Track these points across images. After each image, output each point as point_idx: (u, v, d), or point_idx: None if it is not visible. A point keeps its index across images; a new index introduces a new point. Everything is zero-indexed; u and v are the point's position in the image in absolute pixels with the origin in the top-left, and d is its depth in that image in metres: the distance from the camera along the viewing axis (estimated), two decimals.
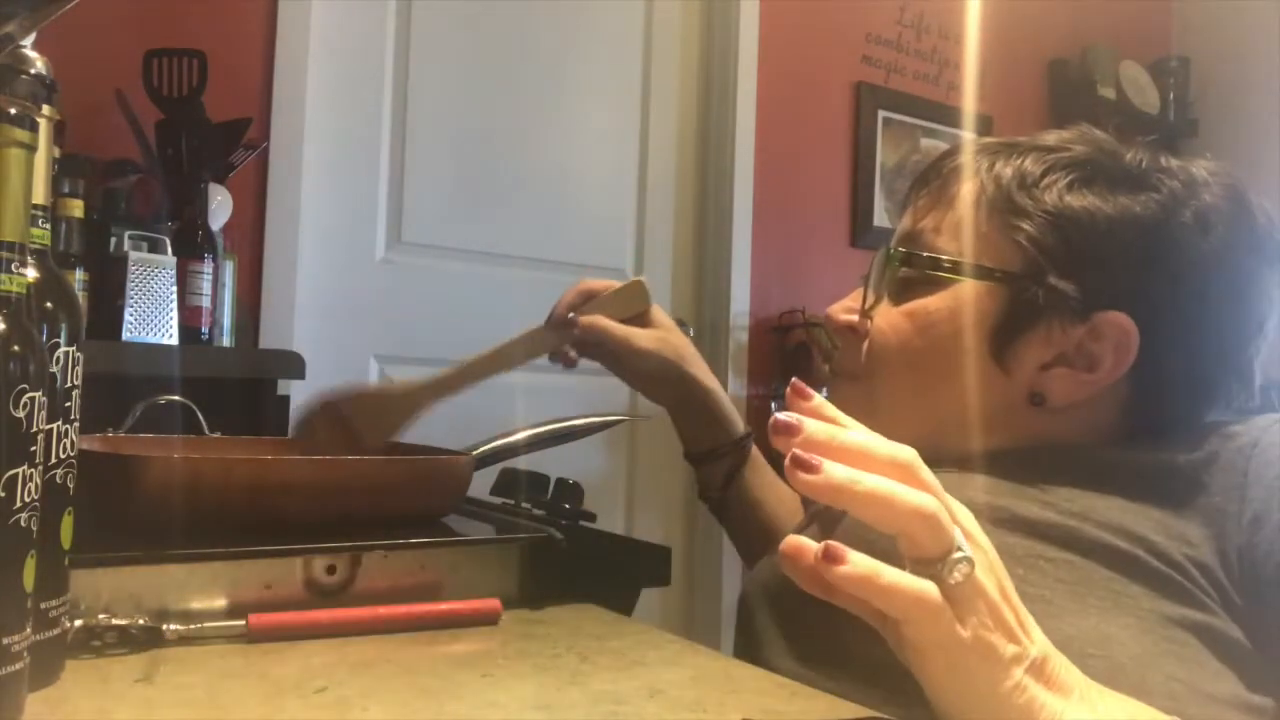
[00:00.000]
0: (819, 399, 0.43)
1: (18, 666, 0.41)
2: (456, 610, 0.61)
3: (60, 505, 0.46)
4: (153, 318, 1.50)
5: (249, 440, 0.89)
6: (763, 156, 2.55)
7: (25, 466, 0.41)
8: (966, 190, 0.68)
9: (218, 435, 0.94)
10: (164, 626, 0.53)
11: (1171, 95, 3.23)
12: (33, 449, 0.41)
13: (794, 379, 0.44)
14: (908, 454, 0.42)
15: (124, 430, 0.91)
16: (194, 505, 0.61)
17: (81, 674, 0.48)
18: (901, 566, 0.41)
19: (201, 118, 1.67)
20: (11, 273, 0.41)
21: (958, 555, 0.40)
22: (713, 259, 2.53)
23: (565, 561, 0.67)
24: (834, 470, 0.40)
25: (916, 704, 0.44)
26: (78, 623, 0.51)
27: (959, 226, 0.67)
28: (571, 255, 2.34)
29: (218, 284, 1.65)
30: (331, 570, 0.60)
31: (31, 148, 0.42)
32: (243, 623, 0.55)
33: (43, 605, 0.44)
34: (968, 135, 2.81)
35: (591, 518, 0.80)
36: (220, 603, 0.57)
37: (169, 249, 1.55)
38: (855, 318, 0.72)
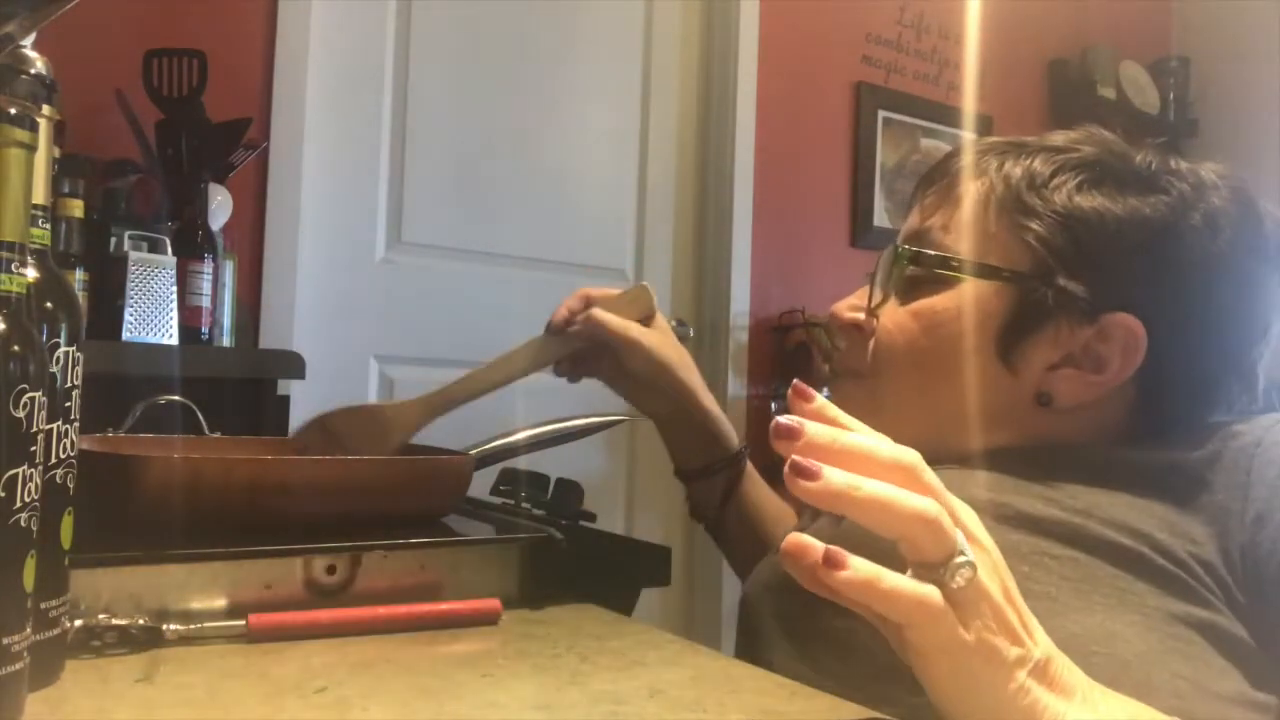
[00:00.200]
0: (821, 400, 0.43)
1: (18, 666, 0.41)
2: (456, 610, 0.61)
3: (60, 505, 0.46)
4: (153, 318, 1.50)
5: (249, 440, 0.89)
6: (763, 156, 2.55)
7: (25, 466, 0.41)
8: (975, 189, 0.68)
9: (218, 435, 0.94)
10: (164, 626, 0.53)
11: (1171, 95, 3.23)
12: (33, 449, 0.41)
13: (795, 380, 0.43)
14: (911, 456, 0.42)
15: (124, 430, 0.91)
16: (194, 505, 0.61)
17: (81, 674, 0.48)
18: (905, 567, 0.41)
19: (201, 118, 1.67)
20: (11, 273, 0.41)
21: (960, 560, 0.40)
22: (713, 259, 2.53)
23: (565, 561, 0.67)
24: (833, 477, 0.40)
25: (918, 705, 0.44)
26: (78, 623, 0.51)
27: (968, 225, 0.67)
28: (571, 255, 2.34)
29: (218, 284, 1.65)
30: (331, 570, 0.60)
31: (31, 148, 0.42)
32: (243, 623, 0.55)
33: (43, 605, 0.44)
34: (968, 135, 2.81)
35: (591, 518, 0.80)
36: (220, 603, 0.57)
37: (169, 249, 1.55)
38: (861, 315, 0.72)
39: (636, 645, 0.59)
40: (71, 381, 0.47)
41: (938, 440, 0.65)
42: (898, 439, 0.43)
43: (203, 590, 0.56)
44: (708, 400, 0.87)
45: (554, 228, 2.34)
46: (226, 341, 1.73)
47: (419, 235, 2.18)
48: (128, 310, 1.48)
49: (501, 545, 0.67)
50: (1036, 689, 0.41)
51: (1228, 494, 0.58)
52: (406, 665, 0.53)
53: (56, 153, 0.50)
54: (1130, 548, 0.56)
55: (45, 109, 0.46)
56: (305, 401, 1.59)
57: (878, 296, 0.70)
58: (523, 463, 0.88)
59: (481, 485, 0.81)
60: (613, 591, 0.69)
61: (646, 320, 0.86)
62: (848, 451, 0.41)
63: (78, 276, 1.43)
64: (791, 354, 2.51)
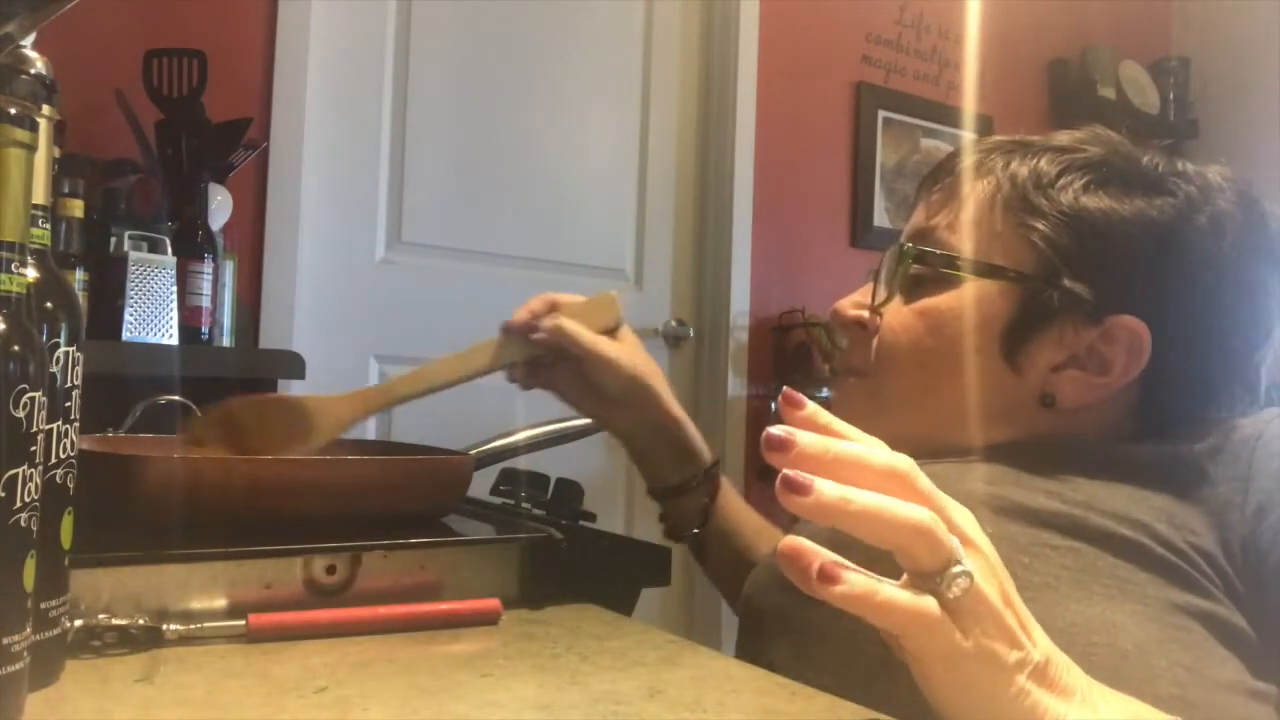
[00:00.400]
0: (812, 407, 0.42)
1: (18, 666, 0.41)
2: (456, 610, 0.61)
3: (60, 505, 0.46)
4: (153, 318, 1.50)
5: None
6: (763, 156, 2.55)
7: (25, 466, 0.41)
8: (981, 188, 0.68)
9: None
10: (164, 626, 0.53)
11: (1171, 95, 3.23)
12: (33, 449, 0.41)
13: (785, 388, 0.43)
14: (904, 463, 0.41)
15: (124, 430, 0.91)
16: (194, 505, 0.61)
17: (81, 674, 0.48)
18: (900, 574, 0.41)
19: (201, 118, 1.67)
20: (11, 273, 0.41)
21: (956, 570, 0.40)
22: (713, 259, 2.53)
23: (565, 561, 0.67)
24: (826, 491, 0.39)
25: (919, 703, 0.44)
26: (78, 623, 0.51)
27: (973, 224, 0.67)
28: (571, 255, 2.34)
29: (218, 284, 1.65)
30: (331, 570, 0.60)
31: (31, 148, 0.42)
32: (242, 623, 0.55)
33: (43, 605, 0.44)
34: (968, 135, 2.81)
35: (591, 518, 0.80)
36: (220, 603, 0.57)
37: (169, 249, 1.55)
38: (865, 313, 0.72)
39: (636, 645, 0.59)
40: (71, 381, 0.47)
41: (939, 439, 0.65)
42: (899, 438, 0.43)
43: (203, 590, 0.56)
44: (678, 411, 0.83)
45: (554, 228, 2.33)
46: (226, 341, 1.73)
47: (419, 235, 2.18)
48: (128, 310, 1.48)
49: (501, 545, 0.67)
50: (1036, 691, 0.41)
51: (1228, 486, 0.58)
52: (406, 665, 0.53)
53: (56, 153, 0.50)
54: (1130, 538, 0.56)
55: (45, 109, 0.46)
56: None
57: (881, 294, 0.70)
58: (523, 463, 0.88)
59: (481, 485, 0.80)
60: (613, 591, 0.69)
61: (613, 330, 0.81)
62: (840, 461, 0.40)
63: (78, 276, 1.43)
64: (792, 354, 2.51)
